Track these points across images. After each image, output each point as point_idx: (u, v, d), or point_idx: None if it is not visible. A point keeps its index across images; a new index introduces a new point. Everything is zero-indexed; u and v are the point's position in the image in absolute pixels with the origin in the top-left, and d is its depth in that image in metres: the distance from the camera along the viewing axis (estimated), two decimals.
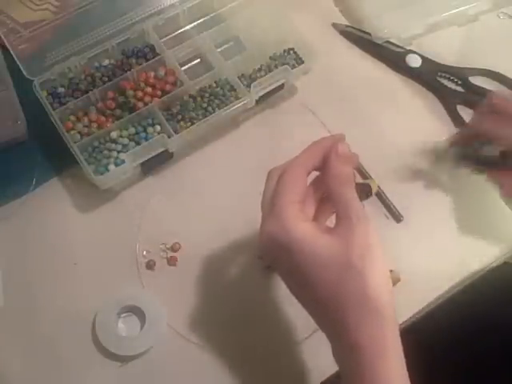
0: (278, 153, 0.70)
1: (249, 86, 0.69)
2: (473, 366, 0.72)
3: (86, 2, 0.72)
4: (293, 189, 0.47)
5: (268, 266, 0.64)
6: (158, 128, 0.68)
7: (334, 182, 0.46)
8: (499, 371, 0.72)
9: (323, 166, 0.48)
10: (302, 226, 0.45)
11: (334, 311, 0.45)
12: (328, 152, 0.48)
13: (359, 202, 0.45)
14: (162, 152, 0.66)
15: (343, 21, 0.79)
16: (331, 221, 0.48)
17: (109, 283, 0.64)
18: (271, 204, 0.47)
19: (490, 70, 0.74)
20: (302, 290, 0.47)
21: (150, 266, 0.65)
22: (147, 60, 0.71)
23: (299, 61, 0.72)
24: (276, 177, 0.48)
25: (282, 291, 0.64)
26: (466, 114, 0.72)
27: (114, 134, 0.67)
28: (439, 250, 0.66)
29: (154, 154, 0.66)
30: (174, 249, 0.65)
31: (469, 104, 0.72)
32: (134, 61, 0.71)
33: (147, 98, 0.69)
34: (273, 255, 0.47)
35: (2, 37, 0.69)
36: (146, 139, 0.67)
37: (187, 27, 0.74)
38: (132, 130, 0.67)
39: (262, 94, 0.69)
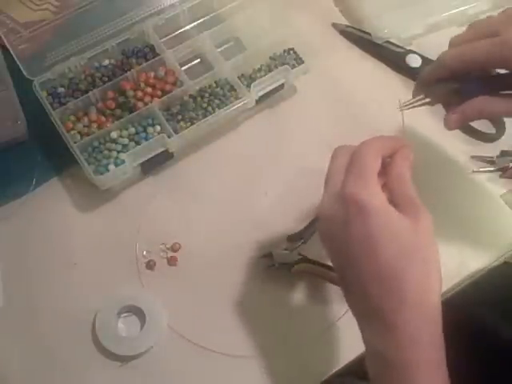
0: (277, 153, 0.71)
1: (249, 86, 0.69)
2: (472, 366, 0.72)
3: (86, 1, 0.72)
4: (377, 162, 0.47)
5: (269, 266, 0.64)
6: (158, 128, 0.68)
7: (399, 178, 0.48)
8: (499, 371, 0.72)
9: (388, 162, 0.49)
10: (381, 195, 0.46)
11: (389, 288, 0.45)
12: (397, 150, 0.49)
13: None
14: (162, 152, 0.66)
15: (343, 21, 0.79)
16: None
17: (109, 283, 0.64)
18: (349, 171, 0.47)
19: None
20: (361, 260, 0.46)
21: (150, 266, 0.65)
22: (147, 60, 0.71)
23: (299, 61, 0.72)
24: (345, 154, 0.49)
25: (283, 291, 0.64)
26: None
27: (114, 134, 0.67)
28: (439, 250, 0.66)
29: (153, 154, 0.66)
30: (174, 249, 0.65)
31: None
32: (134, 61, 0.71)
33: (147, 98, 0.69)
34: (345, 218, 0.46)
35: (2, 37, 0.69)
36: (146, 139, 0.67)
37: (187, 27, 0.74)
38: (132, 130, 0.67)
39: (262, 94, 0.69)
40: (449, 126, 0.55)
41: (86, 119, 0.68)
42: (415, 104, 0.52)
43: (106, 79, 0.70)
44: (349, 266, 0.47)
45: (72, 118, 0.68)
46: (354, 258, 0.46)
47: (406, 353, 0.45)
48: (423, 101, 0.52)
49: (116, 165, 0.66)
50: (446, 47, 0.77)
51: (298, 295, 0.64)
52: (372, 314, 0.46)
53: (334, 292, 0.63)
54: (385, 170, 0.49)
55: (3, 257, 0.65)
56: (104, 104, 0.69)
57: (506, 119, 0.71)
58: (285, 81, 0.70)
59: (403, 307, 0.45)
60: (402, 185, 0.48)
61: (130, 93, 0.69)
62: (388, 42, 0.76)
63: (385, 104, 0.74)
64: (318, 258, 0.63)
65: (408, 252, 0.45)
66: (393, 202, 0.47)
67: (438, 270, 0.46)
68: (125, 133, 0.67)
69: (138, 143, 0.67)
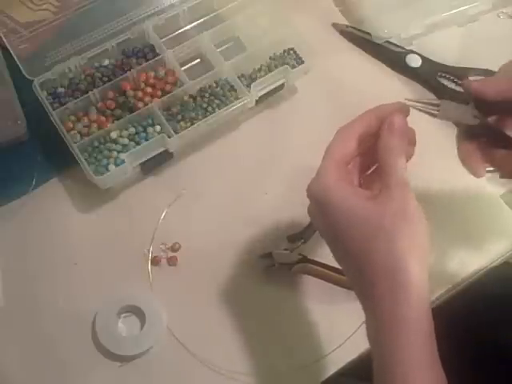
0: (277, 153, 0.71)
1: (249, 85, 0.69)
2: (472, 366, 0.72)
3: (86, 1, 0.72)
4: (339, 149, 0.47)
5: (269, 266, 0.64)
6: (158, 128, 0.68)
7: (381, 152, 0.47)
8: (498, 371, 0.72)
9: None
10: (340, 184, 0.46)
11: (361, 276, 0.45)
12: (385, 118, 0.48)
13: (402, 173, 0.45)
14: (162, 152, 0.66)
15: (343, 21, 0.79)
16: None
17: (109, 283, 0.64)
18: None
19: (489, 70, 0.74)
20: (335, 248, 0.47)
21: (155, 262, 0.65)
22: (147, 60, 0.71)
23: (299, 61, 0.72)
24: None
25: (283, 291, 0.64)
26: None
27: (113, 134, 0.67)
28: (439, 250, 0.66)
29: (153, 154, 0.66)
30: (173, 249, 0.65)
31: None
32: (134, 61, 0.71)
33: (147, 98, 0.69)
34: (312, 212, 0.48)
35: (2, 37, 0.69)
36: (146, 139, 0.67)
37: (187, 27, 0.74)
38: (132, 130, 0.67)
39: (261, 94, 0.69)
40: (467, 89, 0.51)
41: (85, 119, 0.68)
42: (420, 107, 0.51)
43: (106, 79, 0.70)
44: (330, 248, 0.48)
45: (72, 117, 0.68)
46: (329, 243, 0.48)
47: (384, 338, 0.44)
48: (430, 108, 0.51)
49: (116, 165, 0.66)
50: (446, 47, 0.77)
51: (298, 295, 0.64)
52: (357, 295, 0.47)
53: (335, 292, 0.63)
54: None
55: (3, 257, 0.65)
56: (104, 104, 0.69)
57: None
58: (285, 81, 0.70)
59: (374, 291, 0.44)
60: (383, 158, 0.47)
61: (130, 93, 0.69)
62: (388, 41, 0.76)
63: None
64: (317, 258, 0.63)
65: (369, 234, 0.44)
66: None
67: (412, 245, 0.44)
68: (125, 133, 0.67)
69: (138, 143, 0.67)
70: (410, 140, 0.49)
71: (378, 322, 0.44)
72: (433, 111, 0.50)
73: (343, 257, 0.47)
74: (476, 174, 0.52)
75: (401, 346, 0.43)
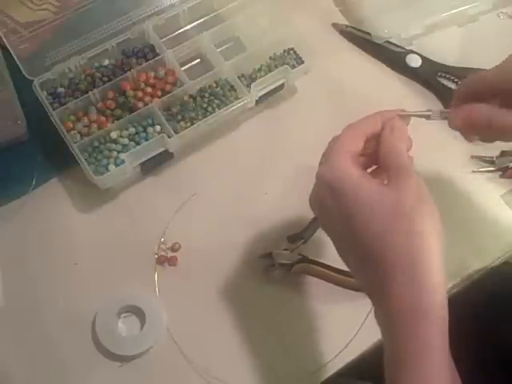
0: (277, 153, 0.71)
1: (249, 85, 0.69)
2: (472, 366, 0.72)
3: (86, 1, 0.72)
4: (348, 142, 0.48)
5: (269, 266, 0.64)
6: (158, 128, 0.68)
7: (383, 150, 0.47)
8: (499, 371, 0.72)
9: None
10: (352, 169, 0.46)
11: (377, 264, 0.44)
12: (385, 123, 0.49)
13: (411, 167, 0.46)
14: (162, 152, 0.66)
15: (343, 21, 0.79)
16: None
17: (109, 283, 0.64)
18: (325, 154, 0.48)
19: None
20: (345, 240, 0.47)
21: (160, 261, 0.65)
22: (147, 60, 0.71)
23: (299, 61, 0.72)
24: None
25: (283, 291, 0.64)
26: None
27: (113, 134, 0.67)
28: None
29: (153, 154, 0.66)
30: (173, 249, 0.65)
31: None
32: (134, 61, 0.71)
33: (147, 98, 0.69)
34: (321, 201, 0.48)
35: (2, 37, 0.69)
36: (146, 139, 0.67)
37: (187, 27, 0.74)
38: (132, 130, 0.67)
39: (261, 94, 0.69)
40: (454, 124, 0.52)
41: (86, 119, 0.68)
42: (415, 113, 0.52)
43: (106, 79, 0.70)
44: (338, 247, 0.48)
45: (72, 117, 0.68)
46: (336, 235, 0.48)
47: (401, 327, 0.43)
48: (422, 112, 0.52)
49: (116, 165, 0.66)
50: (445, 47, 0.77)
51: (298, 295, 0.64)
52: (368, 293, 0.46)
53: (335, 292, 0.63)
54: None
55: (3, 257, 0.65)
56: (104, 104, 0.69)
57: None
58: (285, 81, 0.70)
59: (390, 284, 0.43)
60: (388, 156, 0.47)
61: (130, 93, 0.69)
62: (388, 41, 0.77)
63: (385, 104, 0.74)
64: (318, 258, 0.63)
65: (389, 223, 0.44)
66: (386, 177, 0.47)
67: (432, 231, 0.44)
68: (125, 133, 0.67)
69: (138, 143, 0.67)
70: (408, 146, 0.49)
71: (395, 311, 0.43)
72: (423, 113, 0.52)
73: (353, 249, 0.46)
74: (467, 139, 0.53)
75: (421, 335, 0.43)
